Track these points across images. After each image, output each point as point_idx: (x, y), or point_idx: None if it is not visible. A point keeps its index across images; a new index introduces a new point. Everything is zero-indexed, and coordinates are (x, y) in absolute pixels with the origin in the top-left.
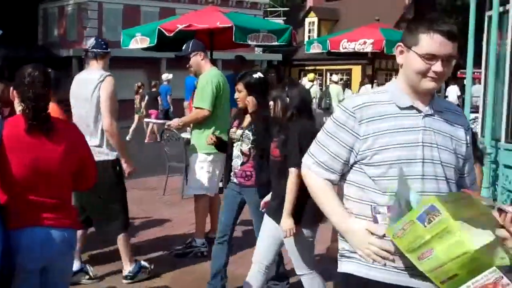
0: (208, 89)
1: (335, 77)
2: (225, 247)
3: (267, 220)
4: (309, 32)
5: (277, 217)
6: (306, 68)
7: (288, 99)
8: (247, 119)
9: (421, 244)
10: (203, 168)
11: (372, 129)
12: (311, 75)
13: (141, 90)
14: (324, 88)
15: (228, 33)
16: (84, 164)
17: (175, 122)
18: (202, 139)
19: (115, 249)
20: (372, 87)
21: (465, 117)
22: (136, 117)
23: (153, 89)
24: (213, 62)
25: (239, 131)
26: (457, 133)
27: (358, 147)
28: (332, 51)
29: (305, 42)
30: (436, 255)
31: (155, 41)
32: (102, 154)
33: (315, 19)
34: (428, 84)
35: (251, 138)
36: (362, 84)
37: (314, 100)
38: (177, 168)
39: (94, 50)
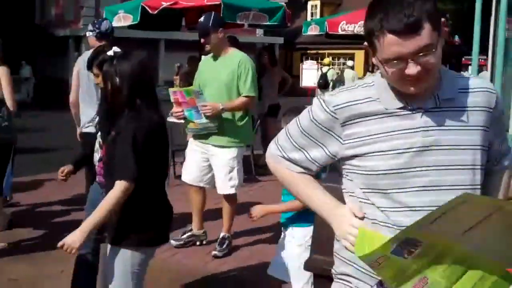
0: (254, 75)
1: (350, 62)
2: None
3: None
4: (312, 15)
5: (117, 239)
6: (308, 52)
7: (117, 78)
8: None
9: (410, 274)
10: (239, 162)
11: (357, 133)
12: (326, 60)
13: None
14: (339, 73)
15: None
16: None
17: (215, 106)
18: (239, 131)
19: None
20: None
21: (492, 92)
22: None
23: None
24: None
25: (98, 118)
26: (473, 119)
27: (342, 153)
28: (330, 33)
29: None
30: (433, 282)
31: (138, 18)
32: None
33: (318, 2)
34: (410, 89)
35: None
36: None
37: (331, 84)
38: None
39: (112, 35)
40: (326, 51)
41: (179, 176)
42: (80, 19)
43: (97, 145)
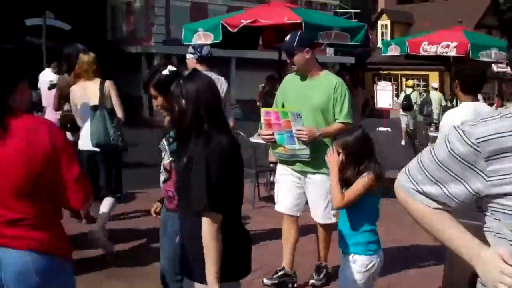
0: (350, 101)
1: (435, 84)
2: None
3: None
4: (382, 35)
5: (201, 276)
6: (381, 72)
7: (183, 100)
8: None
9: None
10: None
11: (504, 169)
12: (410, 81)
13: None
14: (425, 95)
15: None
16: (54, 173)
17: (312, 131)
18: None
19: None
20: (453, 98)
21: None
22: None
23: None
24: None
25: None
26: None
27: (486, 190)
28: (412, 54)
29: (379, 45)
30: None
31: (221, 36)
32: None
33: (388, 22)
34: None
35: (167, 149)
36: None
37: (415, 106)
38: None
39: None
40: (399, 72)
41: (263, 198)
42: (151, 36)
43: (162, 167)
